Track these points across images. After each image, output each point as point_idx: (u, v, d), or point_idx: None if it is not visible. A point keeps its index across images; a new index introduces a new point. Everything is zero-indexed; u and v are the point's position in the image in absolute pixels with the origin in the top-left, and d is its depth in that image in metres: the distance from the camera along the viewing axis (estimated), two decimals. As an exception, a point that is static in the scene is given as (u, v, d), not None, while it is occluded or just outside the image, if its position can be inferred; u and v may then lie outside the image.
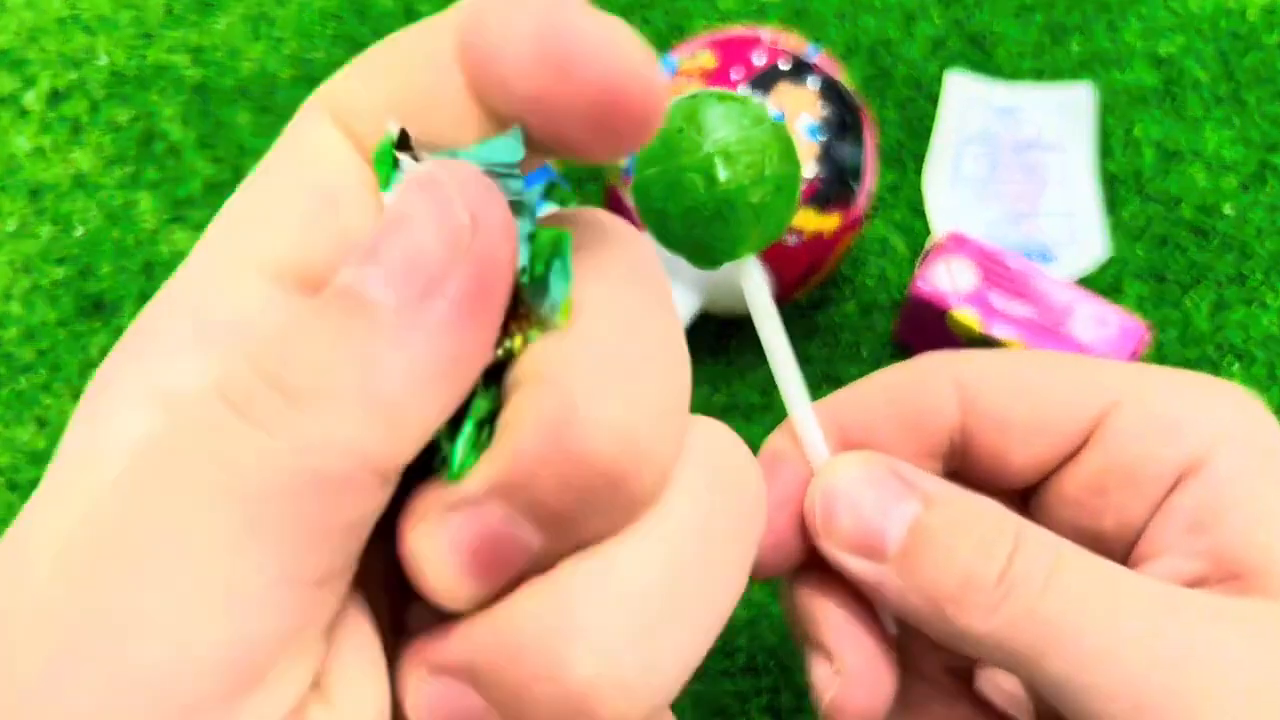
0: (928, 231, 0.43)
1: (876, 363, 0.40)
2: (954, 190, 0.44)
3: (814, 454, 0.21)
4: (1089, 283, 0.42)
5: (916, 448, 0.21)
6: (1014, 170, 0.44)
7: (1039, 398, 0.21)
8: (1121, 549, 0.21)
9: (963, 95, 0.46)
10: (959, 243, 0.38)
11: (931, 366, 0.21)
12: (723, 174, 0.18)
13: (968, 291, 0.37)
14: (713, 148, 0.18)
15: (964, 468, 0.22)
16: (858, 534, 0.20)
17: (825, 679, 0.21)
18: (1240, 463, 0.20)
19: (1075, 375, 0.21)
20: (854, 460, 0.20)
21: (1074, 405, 0.20)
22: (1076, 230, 0.42)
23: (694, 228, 0.19)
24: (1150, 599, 0.18)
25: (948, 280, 0.37)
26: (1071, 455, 0.21)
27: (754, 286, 0.21)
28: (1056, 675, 0.18)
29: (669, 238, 0.19)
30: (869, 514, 0.19)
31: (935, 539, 0.19)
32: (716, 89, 0.19)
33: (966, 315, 0.36)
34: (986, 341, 0.36)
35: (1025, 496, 0.22)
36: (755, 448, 0.40)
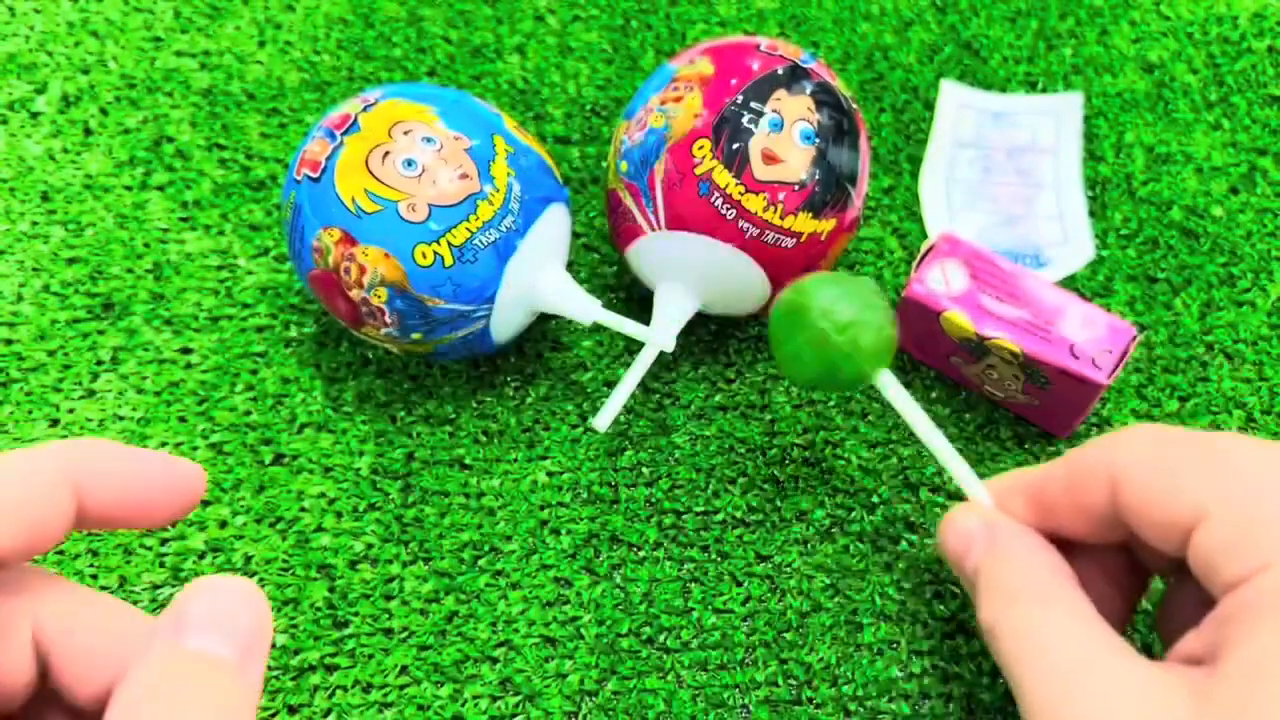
0: (922, 234, 0.44)
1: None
2: (948, 194, 0.45)
3: (977, 495, 0.32)
4: (1081, 284, 0.42)
5: (1083, 519, 0.29)
6: (1008, 173, 0.45)
7: (1154, 501, 0.26)
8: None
9: (956, 101, 0.47)
10: (952, 244, 0.38)
11: (1094, 460, 0.28)
12: (835, 341, 0.31)
13: (959, 293, 0.37)
14: (829, 326, 0.31)
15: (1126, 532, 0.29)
16: (954, 553, 0.31)
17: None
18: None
19: (1181, 481, 0.26)
20: (977, 511, 0.31)
21: (1173, 515, 0.26)
22: (1069, 232, 0.43)
23: (823, 377, 0.32)
24: (1105, 651, 0.26)
25: (941, 282, 0.38)
26: (1181, 546, 0.26)
27: (891, 394, 0.32)
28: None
29: (803, 378, 0.33)
30: (961, 549, 0.31)
31: (982, 578, 0.30)
32: (830, 275, 0.32)
33: (959, 316, 0.37)
34: (980, 341, 0.37)
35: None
36: (753, 447, 0.41)
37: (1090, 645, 0.26)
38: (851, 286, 0.32)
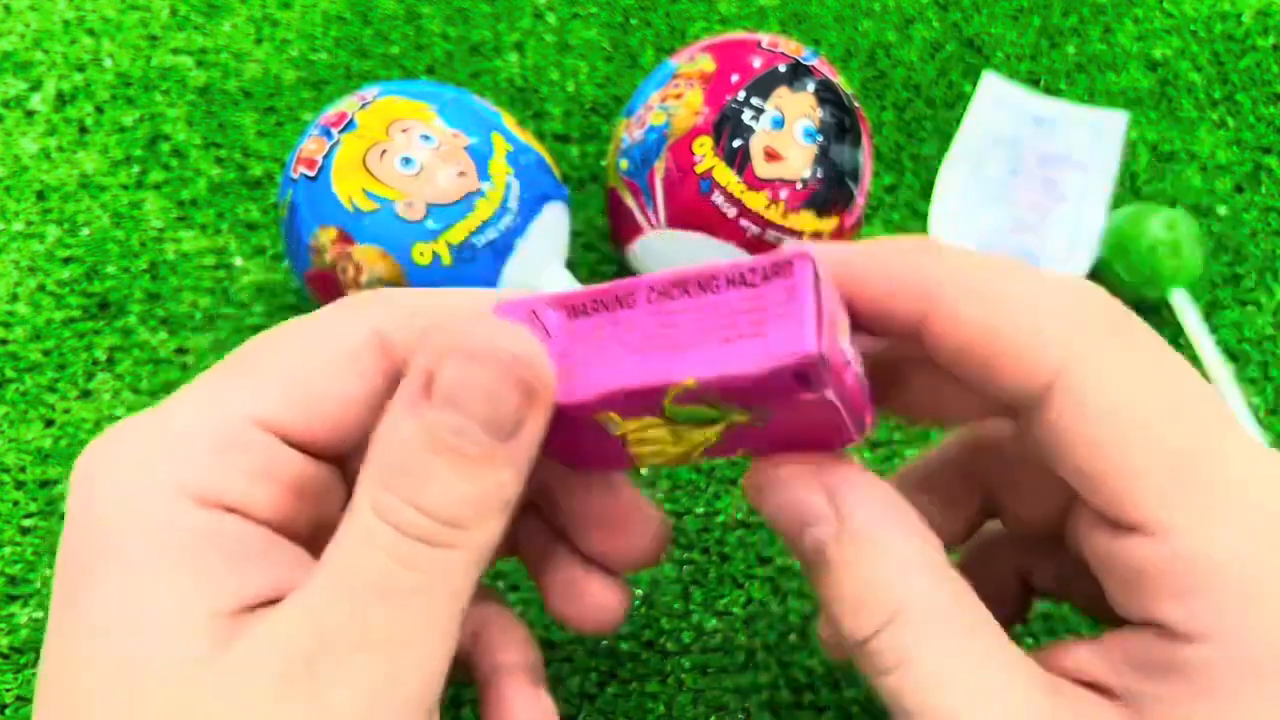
0: (924, 233, 0.44)
1: (874, 363, 0.41)
2: (965, 190, 0.44)
3: None
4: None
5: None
6: (1034, 181, 0.44)
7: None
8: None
9: (994, 96, 0.46)
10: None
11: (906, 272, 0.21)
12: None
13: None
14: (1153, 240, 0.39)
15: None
16: (787, 524, 0.21)
17: None
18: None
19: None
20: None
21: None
22: (1075, 247, 0.43)
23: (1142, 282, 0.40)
24: (1010, 689, 0.19)
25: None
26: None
27: (1184, 311, 0.39)
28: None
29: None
30: (794, 522, 0.21)
31: (832, 572, 0.20)
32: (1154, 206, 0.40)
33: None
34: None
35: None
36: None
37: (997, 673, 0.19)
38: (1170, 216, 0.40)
